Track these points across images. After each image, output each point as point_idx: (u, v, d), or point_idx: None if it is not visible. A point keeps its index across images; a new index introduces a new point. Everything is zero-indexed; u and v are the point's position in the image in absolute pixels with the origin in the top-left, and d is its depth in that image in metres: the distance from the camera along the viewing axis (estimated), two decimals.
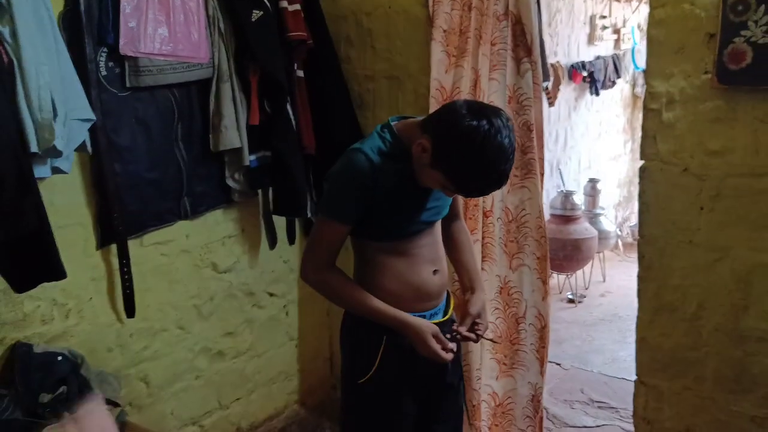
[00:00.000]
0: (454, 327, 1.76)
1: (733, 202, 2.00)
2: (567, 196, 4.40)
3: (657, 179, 2.13)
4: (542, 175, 2.50)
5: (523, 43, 2.31)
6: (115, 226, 2.23)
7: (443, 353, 1.69)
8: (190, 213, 2.49)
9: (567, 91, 4.79)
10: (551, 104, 4.46)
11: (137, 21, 2.16)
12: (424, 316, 1.74)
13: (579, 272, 4.67)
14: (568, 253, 4.32)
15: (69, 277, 2.16)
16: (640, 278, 2.21)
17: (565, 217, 4.38)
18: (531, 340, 2.48)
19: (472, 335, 1.77)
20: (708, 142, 2.02)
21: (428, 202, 1.71)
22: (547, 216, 4.47)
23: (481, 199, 2.34)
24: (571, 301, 4.54)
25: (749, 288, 2.01)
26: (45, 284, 2.03)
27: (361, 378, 1.76)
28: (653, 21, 2.06)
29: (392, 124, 1.68)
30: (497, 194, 2.39)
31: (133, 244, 2.33)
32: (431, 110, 2.45)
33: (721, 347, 2.09)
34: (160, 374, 2.51)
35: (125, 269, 2.28)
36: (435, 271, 1.78)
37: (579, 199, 4.54)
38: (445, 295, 1.86)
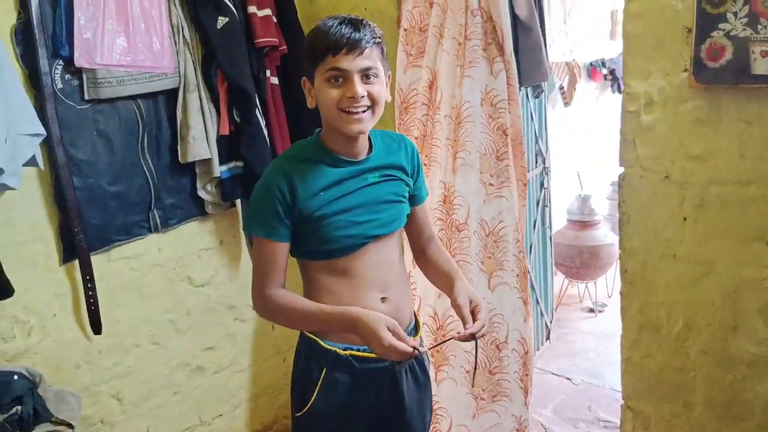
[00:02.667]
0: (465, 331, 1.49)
1: (718, 212, 1.83)
2: (584, 200, 4.19)
3: (637, 187, 1.97)
4: (525, 184, 2.33)
5: (495, 41, 2.16)
6: (76, 242, 2.18)
7: (401, 345, 1.42)
8: (161, 226, 2.43)
9: (587, 89, 4.58)
10: (567, 104, 4.26)
11: (93, 32, 2.11)
12: (371, 353, 1.54)
13: (601, 280, 4.45)
14: (585, 261, 4.11)
15: (31, 294, 2.15)
16: (623, 294, 2.06)
17: (583, 222, 4.17)
18: (514, 367, 2.29)
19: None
20: (690, 147, 1.85)
21: (362, 211, 1.56)
22: (564, 222, 4.29)
23: (453, 211, 2.20)
24: (591, 310, 4.32)
25: (737, 306, 1.84)
26: (4, 301, 2.00)
27: (298, 411, 1.63)
28: (629, 15, 1.91)
29: (318, 132, 1.60)
30: (473, 205, 2.23)
31: (99, 259, 2.28)
32: (395, 114, 2.34)
33: (710, 370, 1.92)
34: (133, 391, 2.46)
35: (89, 285, 2.23)
36: (383, 299, 1.60)
37: (599, 203, 4.33)
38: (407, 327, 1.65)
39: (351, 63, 1.44)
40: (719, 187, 1.81)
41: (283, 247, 1.56)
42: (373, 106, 1.49)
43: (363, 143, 1.59)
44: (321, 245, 1.56)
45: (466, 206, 2.25)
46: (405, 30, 2.25)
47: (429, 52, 2.25)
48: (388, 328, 1.45)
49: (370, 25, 1.49)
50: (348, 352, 1.57)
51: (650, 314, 2.00)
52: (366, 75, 1.46)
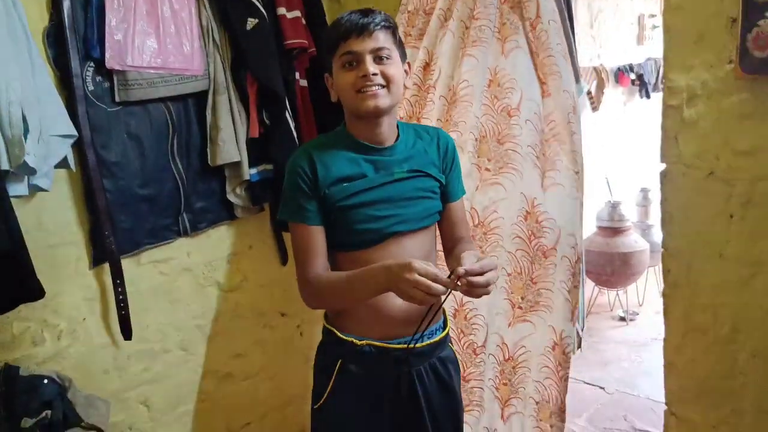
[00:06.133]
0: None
1: (767, 210, 1.75)
2: (614, 206, 4.12)
3: (680, 185, 1.90)
4: (577, 173, 2.13)
5: (511, 21, 2.09)
6: (107, 245, 2.16)
7: (430, 282, 1.30)
8: (190, 230, 2.41)
9: (615, 94, 4.52)
10: (595, 109, 4.20)
11: (124, 34, 2.10)
12: (389, 344, 1.55)
13: (632, 288, 4.37)
14: (615, 268, 4.03)
15: (61, 297, 2.13)
16: (666, 296, 1.98)
17: (613, 229, 4.10)
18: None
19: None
20: (736, 142, 1.78)
21: (385, 206, 1.54)
22: (593, 228, 4.21)
23: None
24: (622, 319, 4.24)
25: None
26: (34, 305, 1.99)
27: (316, 403, 1.63)
28: (669, 7, 1.85)
29: (343, 123, 1.64)
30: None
31: (129, 263, 2.26)
32: None
33: (761, 376, 1.83)
34: (162, 397, 2.43)
35: (119, 289, 2.20)
36: None
37: (629, 209, 4.25)
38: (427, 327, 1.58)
39: (361, 45, 1.48)
40: None
41: (317, 231, 1.56)
42: (388, 84, 1.51)
43: (388, 131, 1.58)
44: (343, 236, 1.57)
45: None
46: (409, 12, 2.23)
47: (429, 34, 2.21)
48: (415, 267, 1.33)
49: (380, 12, 1.53)
50: (365, 342, 1.56)
51: (695, 317, 1.92)
52: (378, 57, 1.50)
